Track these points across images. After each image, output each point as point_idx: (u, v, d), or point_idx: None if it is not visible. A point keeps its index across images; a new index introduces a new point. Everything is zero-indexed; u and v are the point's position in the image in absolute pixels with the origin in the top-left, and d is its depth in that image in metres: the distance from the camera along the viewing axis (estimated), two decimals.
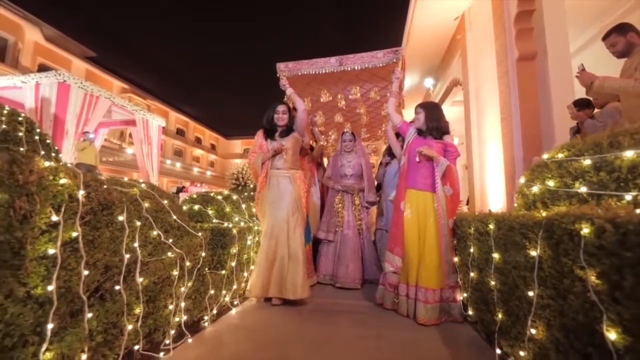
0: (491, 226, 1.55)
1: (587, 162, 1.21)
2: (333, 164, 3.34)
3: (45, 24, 16.27)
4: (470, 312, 1.95)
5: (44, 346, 0.99)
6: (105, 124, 8.89)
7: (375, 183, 3.51)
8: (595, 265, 0.85)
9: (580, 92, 3.16)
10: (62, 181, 1.07)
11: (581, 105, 3.38)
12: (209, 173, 25.87)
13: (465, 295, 2.01)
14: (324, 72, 3.01)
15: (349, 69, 2.94)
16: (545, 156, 1.46)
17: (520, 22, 4.37)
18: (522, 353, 1.25)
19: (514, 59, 4.43)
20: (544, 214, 1.12)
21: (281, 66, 3.13)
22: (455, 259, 2.14)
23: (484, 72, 5.54)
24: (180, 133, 26.62)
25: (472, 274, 1.85)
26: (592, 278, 0.86)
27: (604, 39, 2.58)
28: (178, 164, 22.90)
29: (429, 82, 8.78)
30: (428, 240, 2.13)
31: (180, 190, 12.33)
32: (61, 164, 1.25)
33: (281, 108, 2.64)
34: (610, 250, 0.79)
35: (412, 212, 2.21)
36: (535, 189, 1.42)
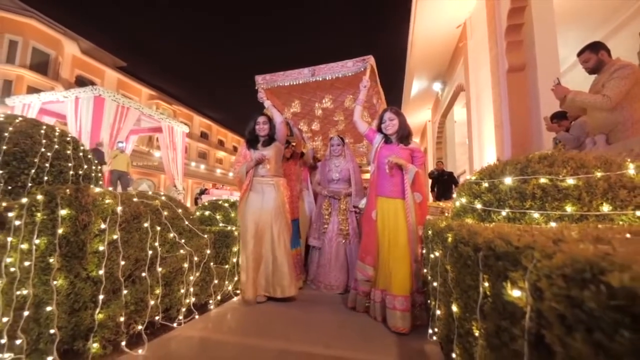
0: (430, 232, 1.94)
1: (485, 184, 1.59)
2: (321, 169, 3.36)
3: (81, 38, 17.66)
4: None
5: (97, 310, 1.51)
6: (135, 131, 9.72)
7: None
8: (449, 263, 1.25)
9: None
10: (107, 201, 1.59)
11: (558, 117, 3.59)
12: (231, 174, 26.90)
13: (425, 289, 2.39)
14: (298, 83, 2.99)
15: (320, 79, 2.91)
16: (467, 177, 1.84)
17: (511, 35, 4.57)
18: (436, 330, 1.65)
19: (504, 70, 4.65)
20: (443, 224, 1.52)
21: (259, 79, 3.11)
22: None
23: (483, 79, 5.72)
24: (204, 136, 27.88)
25: (425, 271, 2.24)
26: (450, 271, 1.26)
27: (579, 55, 2.75)
28: (202, 166, 24.06)
29: (437, 86, 8.98)
30: (399, 248, 2.17)
31: (202, 192, 13.19)
32: (105, 189, 1.77)
33: (261, 119, 2.80)
34: (452, 253, 1.20)
35: (383, 220, 2.25)
36: (458, 203, 1.81)
